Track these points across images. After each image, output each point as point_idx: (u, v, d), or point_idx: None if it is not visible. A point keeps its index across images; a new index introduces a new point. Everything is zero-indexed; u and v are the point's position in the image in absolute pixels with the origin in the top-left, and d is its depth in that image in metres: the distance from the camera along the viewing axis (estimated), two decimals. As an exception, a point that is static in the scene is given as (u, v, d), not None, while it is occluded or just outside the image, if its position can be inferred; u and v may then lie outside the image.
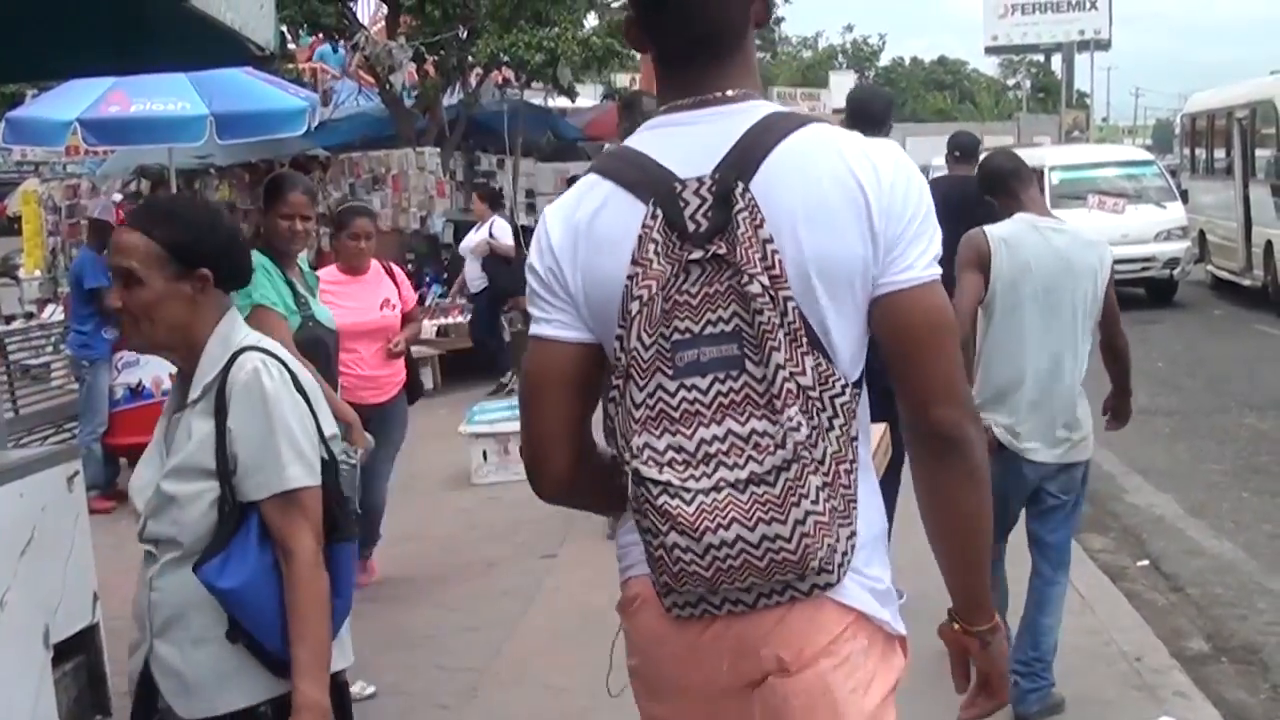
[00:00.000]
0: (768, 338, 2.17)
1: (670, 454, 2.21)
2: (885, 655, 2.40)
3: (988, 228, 5.39)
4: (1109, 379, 5.81)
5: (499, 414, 10.24)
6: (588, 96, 21.64)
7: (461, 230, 14.88)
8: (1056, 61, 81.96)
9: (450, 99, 17.73)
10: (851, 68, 79.10)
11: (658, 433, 2.22)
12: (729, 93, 2.34)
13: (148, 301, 2.93)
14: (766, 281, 2.18)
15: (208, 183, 15.92)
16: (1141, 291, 20.57)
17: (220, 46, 4.75)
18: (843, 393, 2.24)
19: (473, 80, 17.70)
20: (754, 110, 2.32)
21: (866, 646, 2.35)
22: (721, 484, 2.18)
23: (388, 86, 16.66)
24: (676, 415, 2.21)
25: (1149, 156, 24.90)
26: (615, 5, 18.24)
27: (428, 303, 14.29)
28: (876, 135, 5.66)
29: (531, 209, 18.00)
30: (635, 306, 2.22)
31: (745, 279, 2.18)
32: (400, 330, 7.38)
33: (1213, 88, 24.91)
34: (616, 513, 2.56)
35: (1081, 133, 59.22)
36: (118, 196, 14.61)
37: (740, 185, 2.23)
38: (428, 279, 15.61)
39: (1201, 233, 22.74)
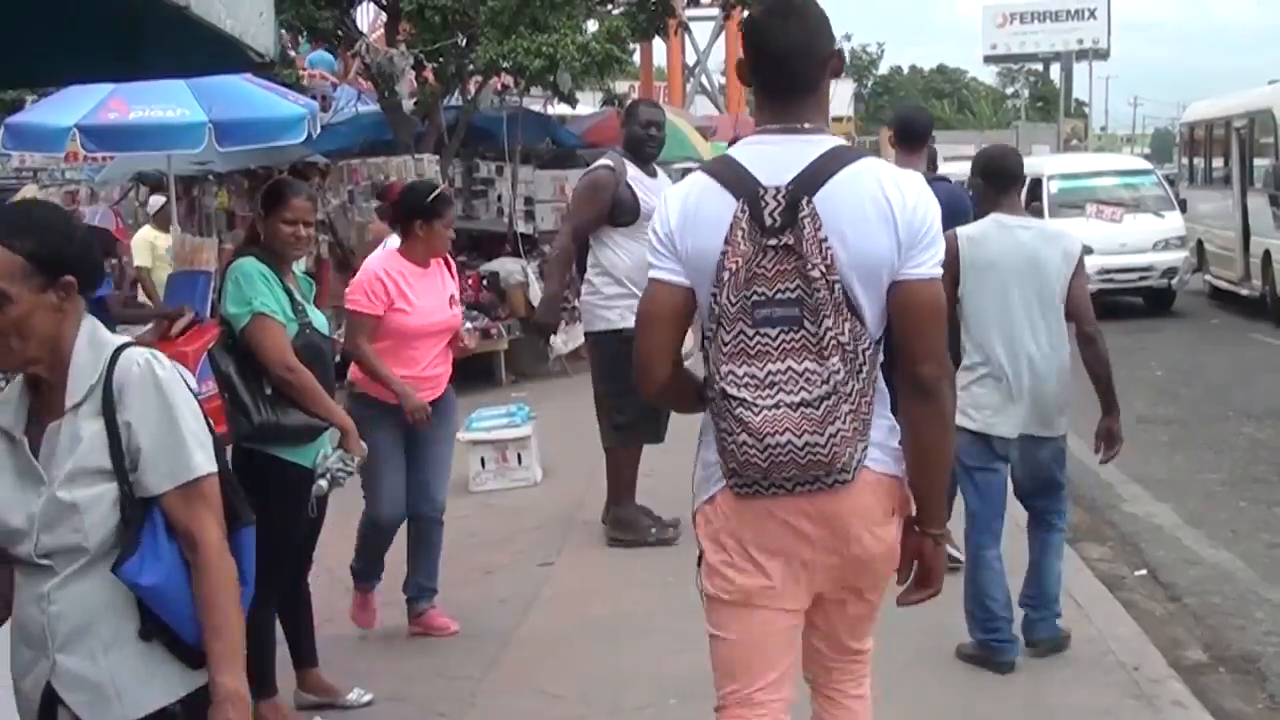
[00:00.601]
0: (821, 308, 3.19)
1: (746, 379, 3.23)
2: (893, 491, 3.45)
3: (958, 229, 5.89)
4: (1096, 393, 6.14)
5: (496, 421, 10.24)
6: (587, 103, 21.62)
7: (460, 237, 14.87)
8: (1055, 70, 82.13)
9: (449, 105, 17.73)
10: (850, 76, 79.07)
11: (738, 364, 3.23)
12: (806, 125, 3.36)
13: (18, 318, 2.88)
14: (823, 269, 3.20)
15: (206, 189, 15.93)
16: (1140, 301, 20.60)
17: (220, 53, 4.74)
18: (870, 346, 3.28)
19: (471, 87, 17.70)
20: (823, 142, 3.35)
21: (886, 494, 3.42)
22: (780, 404, 3.20)
23: (388, 94, 16.67)
24: (752, 353, 3.23)
25: (1147, 166, 24.96)
26: (616, 12, 18.25)
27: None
28: (919, 149, 6.83)
29: (530, 216, 18.00)
30: (726, 275, 3.23)
31: (808, 265, 3.19)
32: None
33: (1211, 97, 24.95)
34: (692, 411, 3.59)
35: (1080, 141, 59.34)
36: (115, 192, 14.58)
37: (806, 198, 3.23)
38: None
39: (1200, 242, 22.76)
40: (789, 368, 3.21)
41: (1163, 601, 7.45)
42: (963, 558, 6.14)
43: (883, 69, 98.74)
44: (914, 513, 3.48)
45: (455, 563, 7.33)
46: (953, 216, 5.04)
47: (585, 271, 8.32)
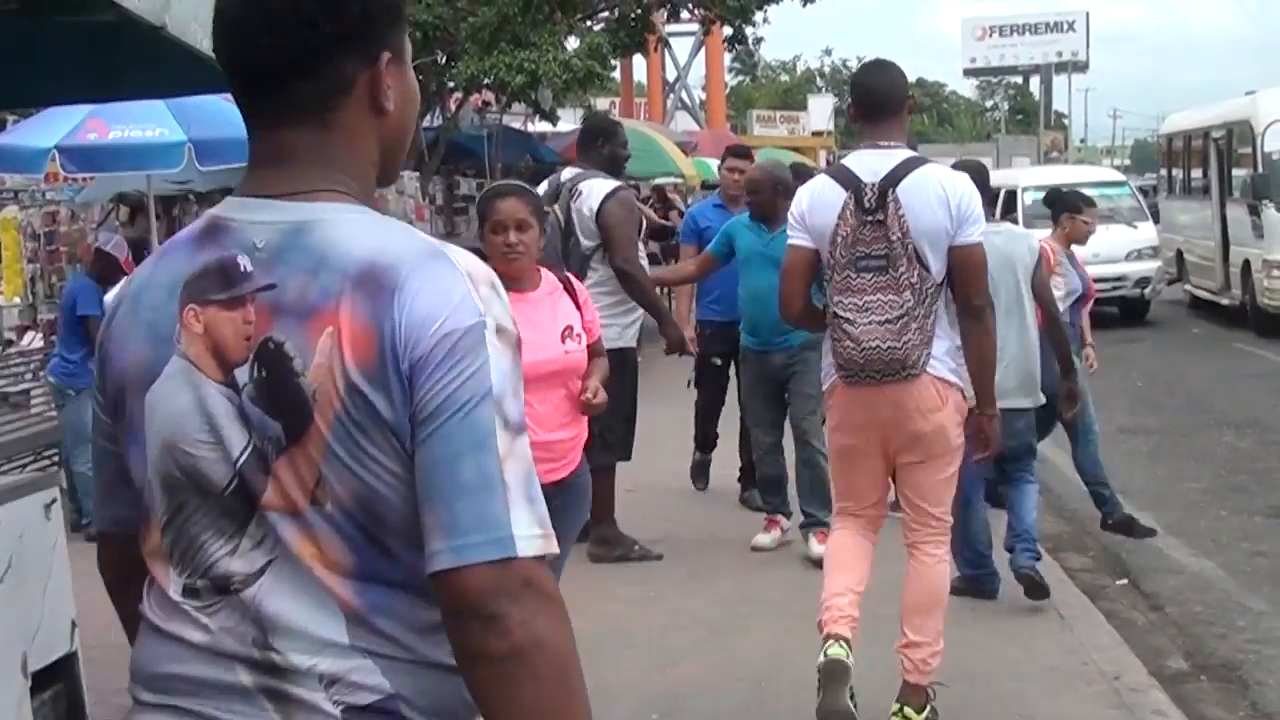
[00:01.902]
0: (899, 260, 4.96)
1: (850, 306, 5.02)
2: (945, 390, 5.12)
3: None
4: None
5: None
6: (568, 120, 21.67)
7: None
8: (1034, 83, 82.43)
9: (430, 123, 17.75)
10: (830, 91, 79.29)
11: (845, 296, 5.04)
12: (890, 144, 5.18)
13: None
14: (900, 236, 4.96)
15: (187, 209, 15.89)
16: (1115, 310, 20.72)
17: (197, 73, 4.76)
18: (932, 286, 5.01)
19: (452, 104, 17.72)
20: (902, 153, 5.17)
21: (941, 391, 5.10)
22: (872, 322, 4.98)
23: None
24: (854, 289, 5.02)
25: (1121, 177, 25.20)
26: (597, 29, 18.29)
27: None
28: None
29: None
30: (839, 240, 5.05)
31: (891, 233, 4.97)
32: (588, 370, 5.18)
33: (1189, 108, 25.07)
34: (819, 329, 5.41)
35: (1060, 153, 59.58)
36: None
37: (892, 191, 5.02)
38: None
39: (1179, 252, 22.86)
40: (877, 298, 4.99)
41: (1144, 611, 7.47)
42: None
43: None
44: (973, 402, 5.25)
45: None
46: None
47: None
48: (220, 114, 12.21)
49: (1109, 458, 8.71)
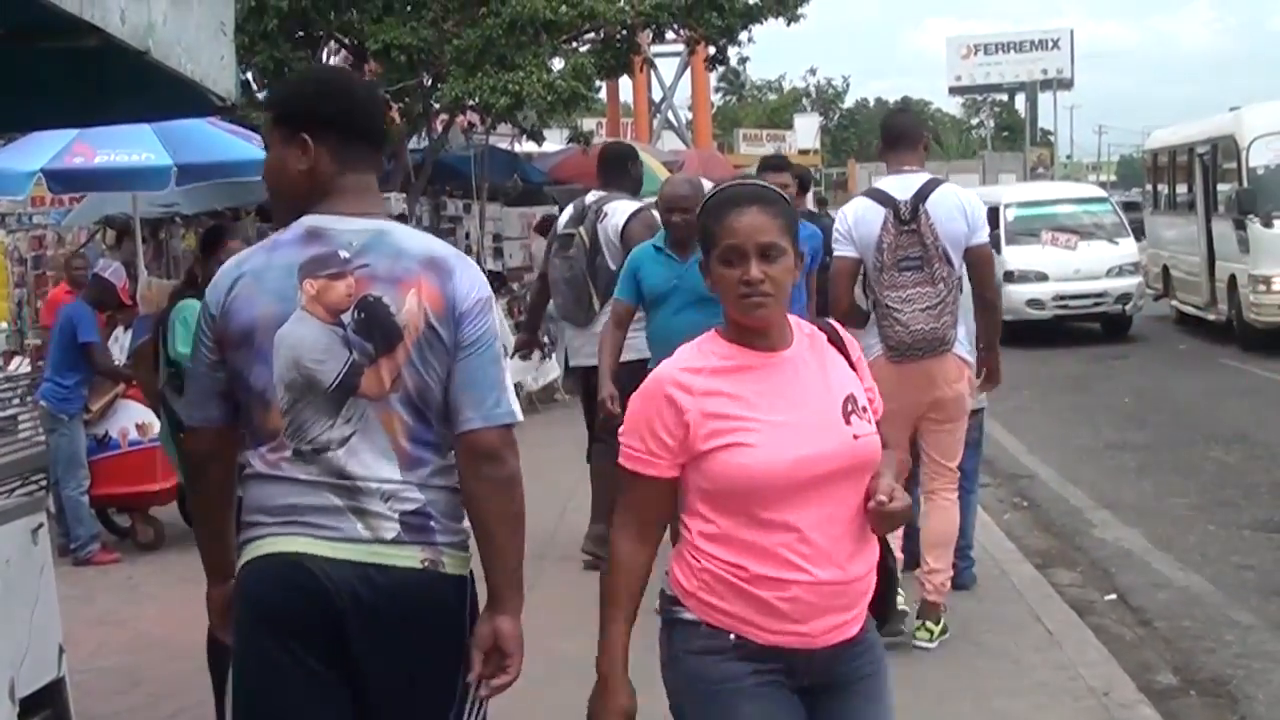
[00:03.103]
0: (932, 260, 6.35)
1: (897, 299, 6.38)
2: (962, 366, 6.62)
3: None
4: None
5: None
6: (554, 141, 21.71)
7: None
8: (1020, 101, 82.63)
9: (416, 144, 17.76)
10: (816, 110, 79.46)
11: (892, 291, 6.39)
12: (912, 169, 6.65)
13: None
14: (931, 241, 6.36)
15: (173, 232, 15.92)
16: (1097, 326, 20.78)
17: (182, 98, 4.78)
18: (956, 280, 6.41)
19: (438, 126, 17.74)
20: (923, 175, 6.59)
21: (960, 367, 6.60)
22: (915, 310, 6.36)
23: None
24: (899, 285, 6.38)
25: (1102, 193, 25.35)
26: (584, 50, 18.31)
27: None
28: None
29: (499, 253, 18.03)
30: (884, 247, 6.43)
31: (924, 239, 6.36)
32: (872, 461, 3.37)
33: (1173, 124, 25.16)
34: (860, 325, 6.46)
35: (1046, 170, 59.72)
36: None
37: (922, 205, 6.41)
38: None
39: (1165, 268, 22.93)
40: (918, 291, 6.40)
41: (1133, 626, 7.48)
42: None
43: (848, 102, 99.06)
44: (983, 351, 6.82)
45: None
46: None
47: (569, 309, 8.52)
48: (206, 139, 12.23)
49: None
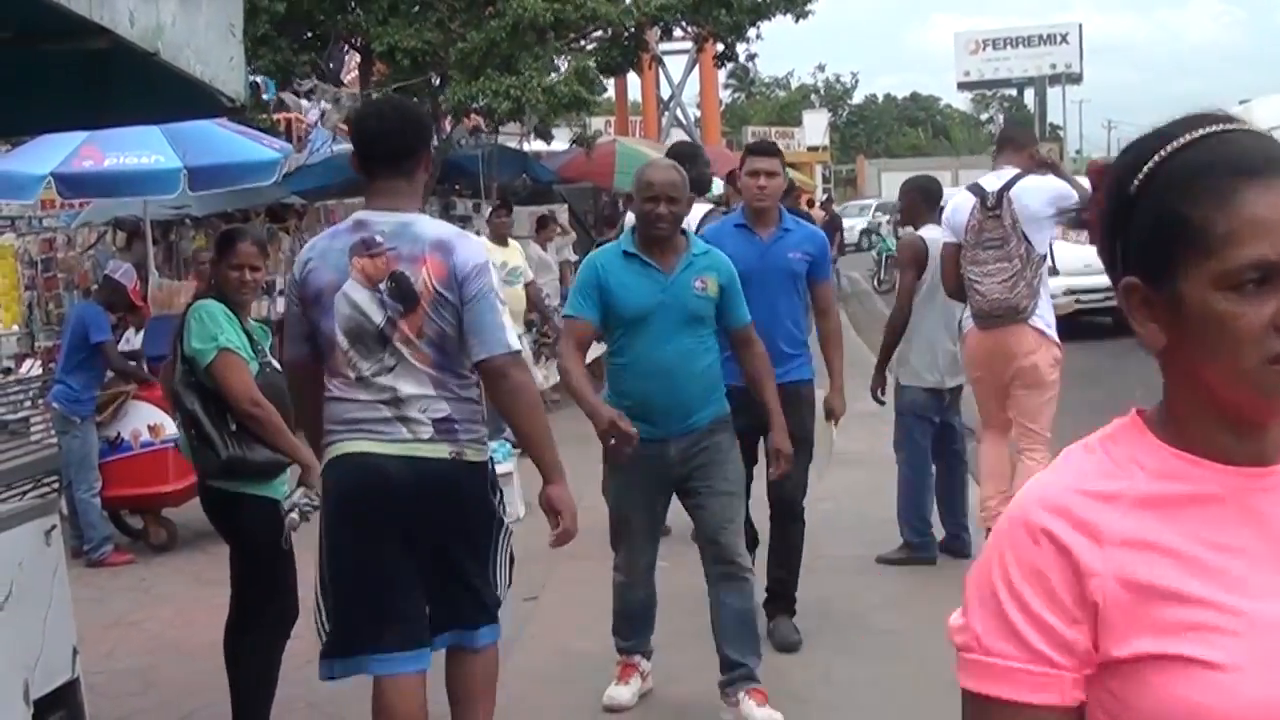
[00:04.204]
0: (1010, 239, 7.51)
1: (980, 272, 7.56)
2: (1040, 336, 7.67)
3: (922, 234, 8.21)
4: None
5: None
6: (563, 140, 21.70)
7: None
8: (1029, 95, 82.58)
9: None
10: (825, 106, 79.42)
11: (976, 266, 7.58)
12: (1005, 167, 7.86)
13: None
14: (1010, 224, 7.54)
15: (184, 233, 15.91)
16: (1109, 320, 20.75)
17: (191, 99, 4.78)
18: (1039, 258, 7.59)
19: (446, 126, 17.75)
20: (1011, 171, 7.76)
21: (1037, 339, 7.64)
22: (992, 282, 7.51)
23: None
24: (981, 261, 7.56)
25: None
26: (590, 49, 18.30)
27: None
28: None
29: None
30: (970, 229, 7.63)
31: (1005, 223, 7.54)
32: None
33: (1183, 118, 25.07)
34: (960, 298, 7.78)
35: (1055, 165, 59.61)
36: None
37: (1006, 194, 7.60)
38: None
39: (1176, 261, 22.86)
40: (996, 266, 7.50)
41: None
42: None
43: (857, 98, 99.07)
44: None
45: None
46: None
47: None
48: (215, 141, 12.23)
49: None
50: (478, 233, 18.18)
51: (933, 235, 8.08)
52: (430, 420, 4.44)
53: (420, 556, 4.50)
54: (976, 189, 7.76)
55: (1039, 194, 7.45)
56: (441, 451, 4.46)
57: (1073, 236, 20.95)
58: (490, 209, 13.06)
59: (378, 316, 4.43)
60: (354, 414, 4.48)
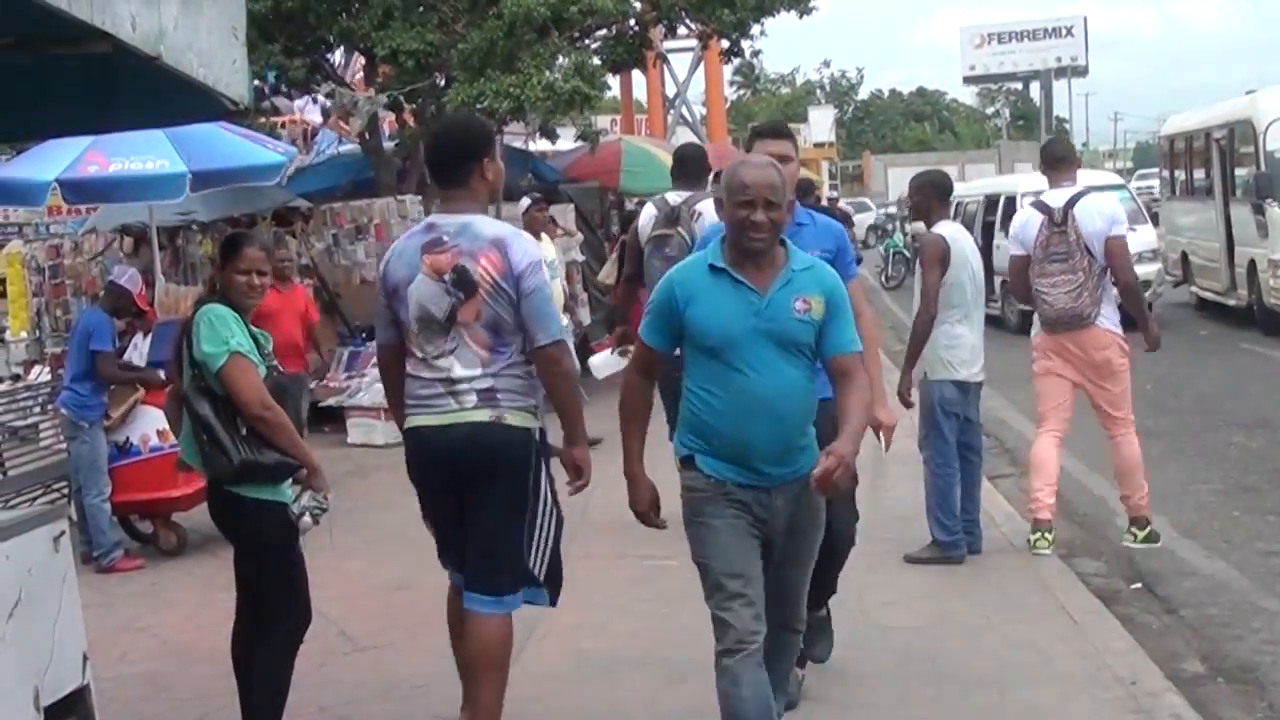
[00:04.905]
0: (1075, 253, 8.18)
1: (1048, 284, 8.28)
2: (1111, 336, 8.31)
3: (940, 231, 8.30)
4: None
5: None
6: (568, 139, 21.63)
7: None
8: (1035, 89, 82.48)
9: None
10: (831, 102, 79.33)
11: (1044, 279, 8.29)
12: (1070, 184, 8.47)
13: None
14: (1075, 239, 8.19)
15: (190, 238, 15.92)
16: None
17: (194, 102, 4.77)
18: (1100, 269, 8.19)
19: (450, 127, 17.73)
20: (1075, 189, 8.40)
21: (1106, 337, 8.30)
22: (1061, 292, 8.23)
23: (367, 135, 16.71)
24: (1048, 273, 8.27)
25: (1119, 180, 25.12)
26: (594, 46, 18.25)
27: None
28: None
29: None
30: (1039, 244, 8.32)
31: (1070, 237, 8.20)
32: None
33: (1189, 109, 25.03)
34: (1030, 304, 8.69)
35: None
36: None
37: (1071, 211, 8.24)
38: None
39: (1184, 254, 22.82)
40: (1064, 279, 8.17)
41: (1159, 614, 7.44)
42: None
43: (862, 94, 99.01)
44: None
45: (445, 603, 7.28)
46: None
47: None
48: (220, 145, 12.22)
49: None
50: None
51: (950, 232, 8.30)
52: (475, 391, 5.20)
53: (472, 507, 5.25)
54: (1042, 206, 8.41)
55: (1100, 215, 8.25)
56: (483, 415, 5.18)
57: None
58: (529, 202, 13.07)
59: (443, 304, 5.19)
60: (418, 390, 5.31)
